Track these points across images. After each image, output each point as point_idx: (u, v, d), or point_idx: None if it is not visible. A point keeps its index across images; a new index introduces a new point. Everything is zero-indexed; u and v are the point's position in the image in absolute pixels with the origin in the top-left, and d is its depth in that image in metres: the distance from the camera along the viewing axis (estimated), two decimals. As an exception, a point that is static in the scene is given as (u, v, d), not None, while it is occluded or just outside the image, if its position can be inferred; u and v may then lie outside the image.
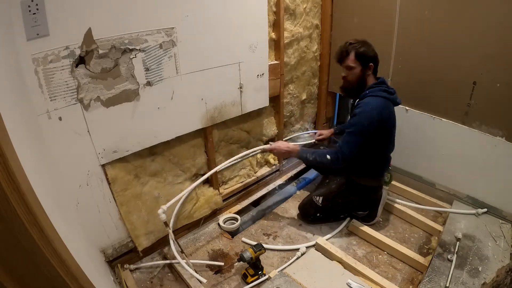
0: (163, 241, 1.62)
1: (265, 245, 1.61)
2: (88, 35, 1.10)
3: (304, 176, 2.21)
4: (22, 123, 0.86)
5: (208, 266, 1.53)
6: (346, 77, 1.58)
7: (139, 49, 1.26)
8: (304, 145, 2.04)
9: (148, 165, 1.49)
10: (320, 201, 1.72)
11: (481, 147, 1.64)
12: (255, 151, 1.77)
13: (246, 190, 2.00)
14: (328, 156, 1.53)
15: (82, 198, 1.28)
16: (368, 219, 1.75)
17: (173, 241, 1.41)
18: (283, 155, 1.71)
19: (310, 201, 1.76)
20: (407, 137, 1.92)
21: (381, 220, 1.81)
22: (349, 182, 1.72)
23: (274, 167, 2.14)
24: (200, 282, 1.34)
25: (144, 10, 1.23)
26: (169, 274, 1.50)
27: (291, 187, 2.11)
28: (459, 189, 1.79)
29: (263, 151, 1.80)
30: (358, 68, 1.53)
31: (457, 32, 1.56)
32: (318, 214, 1.74)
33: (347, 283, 1.34)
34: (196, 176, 1.75)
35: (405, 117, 1.88)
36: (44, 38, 1.01)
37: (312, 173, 2.21)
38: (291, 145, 1.69)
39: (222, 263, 1.51)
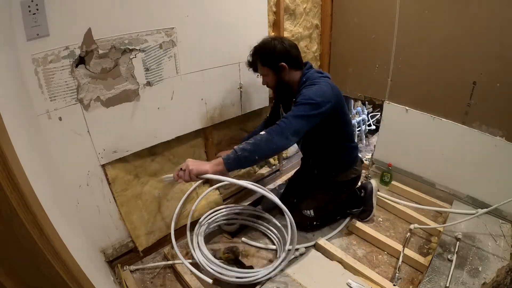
0: (164, 241, 1.62)
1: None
2: (88, 35, 1.11)
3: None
4: (22, 123, 0.86)
5: (208, 266, 1.53)
6: (267, 84, 1.47)
7: (139, 49, 1.26)
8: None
9: (148, 165, 1.49)
10: (312, 214, 1.64)
11: (481, 147, 1.64)
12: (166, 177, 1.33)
13: (246, 190, 2.00)
14: (263, 132, 1.23)
15: (82, 198, 1.28)
16: (365, 214, 1.75)
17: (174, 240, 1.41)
18: (197, 171, 1.16)
19: (301, 215, 1.64)
20: (407, 137, 1.92)
21: (381, 220, 1.81)
22: (331, 186, 1.66)
23: (274, 167, 2.14)
24: (200, 281, 1.34)
25: (144, 10, 1.23)
26: (170, 274, 1.50)
27: (291, 187, 2.11)
28: (459, 189, 1.79)
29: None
30: (271, 74, 1.41)
31: (457, 32, 1.56)
32: (314, 223, 1.69)
33: (347, 283, 1.34)
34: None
35: (405, 117, 1.88)
36: (44, 38, 1.01)
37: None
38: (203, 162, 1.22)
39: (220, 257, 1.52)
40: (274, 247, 1.61)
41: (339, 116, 1.44)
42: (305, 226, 1.70)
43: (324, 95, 1.30)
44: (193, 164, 1.17)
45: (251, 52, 1.44)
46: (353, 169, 1.64)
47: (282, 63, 1.37)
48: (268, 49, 1.38)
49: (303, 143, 1.66)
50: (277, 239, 1.61)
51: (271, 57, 1.37)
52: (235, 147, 1.21)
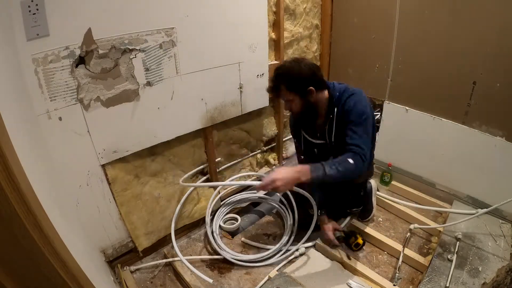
0: (164, 241, 1.62)
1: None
2: (88, 35, 1.11)
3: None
4: (22, 123, 0.86)
5: (208, 266, 1.53)
6: (291, 109, 1.37)
7: (139, 49, 1.26)
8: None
9: (148, 165, 1.49)
10: (319, 213, 1.62)
11: (481, 147, 1.64)
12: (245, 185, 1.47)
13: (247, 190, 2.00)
14: (351, 160, 1.22)
15: (82, 198, 1.28)
16: (365, 214, 1.74)
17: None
18: (291, 185, 1.20)
19: (307, 214, 1.65)
20: (407, 137, 1.92)
21: (381, 220, 1.81)
22: (340, 188, 1.63)
23: (274, 167, 2.14)
24: (200, 281, 1.35)
25: (144, 10, 1.23)
26: (169, 274, 1.50)
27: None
28: (459, 189, 1.79)
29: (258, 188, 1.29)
30: (297, 98, 1.32)
31: (457, 32, 1.56)
32: (318, 223, 1.70)
33: (347, 283, 1.34)
34: (197, 176, 1.76)
35: (405, 117, 1.88)
36: (44, 38, 1.01)
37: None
38: (292, 167, 1.23)
39: (222, 256, 1.53)
40: (273, 247, 1.60)
41: (373, 122, 1.44)
42: (308, 225, 1.69)
43: (367, 103, 1.33)
44: (287, 178, 1.18)
45: (273, 77, 1.34)
46: (367, 173, 1.65)
47: (311, 87, 1.29)
48: (294, 74, 1.28)
49: (333, 152, 1.45)
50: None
51: (299, 81, 1.28)
52: (326, 166, 1.21)
